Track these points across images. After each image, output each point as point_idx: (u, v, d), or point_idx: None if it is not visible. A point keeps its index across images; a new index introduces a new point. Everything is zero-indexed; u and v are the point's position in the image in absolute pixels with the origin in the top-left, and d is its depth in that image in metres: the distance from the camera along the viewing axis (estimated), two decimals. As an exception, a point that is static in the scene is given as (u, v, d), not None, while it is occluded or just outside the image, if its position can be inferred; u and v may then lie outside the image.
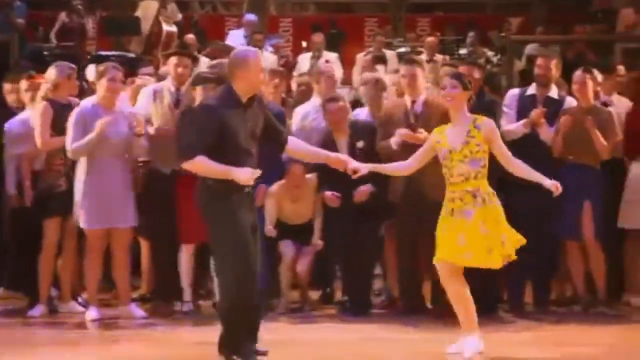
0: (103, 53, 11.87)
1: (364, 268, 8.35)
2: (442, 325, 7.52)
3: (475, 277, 6.58)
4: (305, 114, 8.88)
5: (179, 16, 15.42)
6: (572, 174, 7.27)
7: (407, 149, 7.53)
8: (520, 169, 6.59)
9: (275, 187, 8.25)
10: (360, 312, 8.15)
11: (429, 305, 8.24)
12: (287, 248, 8.30)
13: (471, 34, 16.31)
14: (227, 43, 15.03)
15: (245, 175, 5.96)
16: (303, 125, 8.67)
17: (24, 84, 8.61)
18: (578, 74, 8.25)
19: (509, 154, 6.57)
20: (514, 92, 8.75)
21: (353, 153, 7.77)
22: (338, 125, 8.30)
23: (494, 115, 7.38)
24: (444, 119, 7.93)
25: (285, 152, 6.58)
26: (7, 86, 9.02)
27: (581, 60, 12.19)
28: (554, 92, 8.47)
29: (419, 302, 8.20)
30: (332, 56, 13.92)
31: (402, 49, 15.10)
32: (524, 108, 8.31)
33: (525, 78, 10.81)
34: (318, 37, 14.42)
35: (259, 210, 7.27)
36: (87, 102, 8.16)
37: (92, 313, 8.03)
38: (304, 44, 15.84)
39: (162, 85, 8.63)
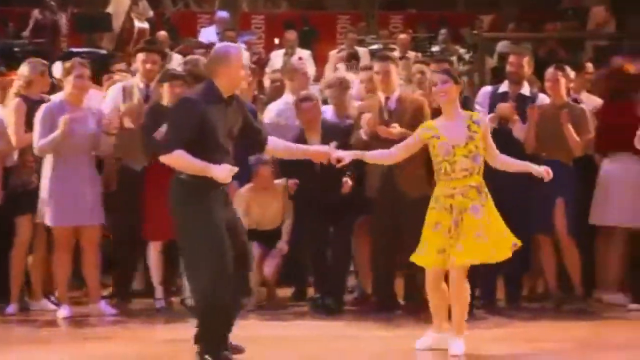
0: (74, 50, 11.80)
1: (336, 265, 8.34)
2: (415, 322, 7.56)
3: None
4: (280, 111, 8.87)
5: (151, 13, 15.35)
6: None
7: (380, 141, 7.56)
8: (506, 163, 6.66)
9: (243, 190, 8.24)
10: (333, 309, 8.14)
11: (401, 302, 8.25)
12: (254, 250, 8.27)
13: (443, 31, 16.35)
14: (199, 40, 15.04)
15: (224, 172, 5.92)
16: (277, 122, 8.64)
17: (-6, 81, 8.57)
18: (550, 71, 8.29)
19: (496, 150, 6.62)
20: (487, 89, 8.79)
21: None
22: (311, 124, 8.30)
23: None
24: (417, 114, 8.01)
25: (265, 152, 6.55)
26: (-22, 83, 8.95)
27: (552, 58, 12.26)
28: (526, 90, 8.52)
29: (392, 299, 8.22)
30: (305, 53, 13.91)
31: (375, 46, 15.12)
32: (496, 105, 8.35)
33: (497, 75, 10.87)
34: (291, 35, 14.42)
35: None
36: (55, 98, 8.14)
37: (63, 311, 8.00)
38: (277, 41, 15.84)
39: (131, 82, 8.61)
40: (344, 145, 8.02)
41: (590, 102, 8.72)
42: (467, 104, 8.14)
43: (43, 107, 7.95)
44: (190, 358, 6.18)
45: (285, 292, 8.83)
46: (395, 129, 7.79)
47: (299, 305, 8.58)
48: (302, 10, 18.81)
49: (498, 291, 8.39)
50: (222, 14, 15.84)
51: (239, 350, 6.23)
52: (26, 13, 15.05)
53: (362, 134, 7.98)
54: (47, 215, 7.95)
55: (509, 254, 6.45)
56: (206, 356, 6.04)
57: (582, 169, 8.29)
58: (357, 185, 8.13)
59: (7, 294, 8.17)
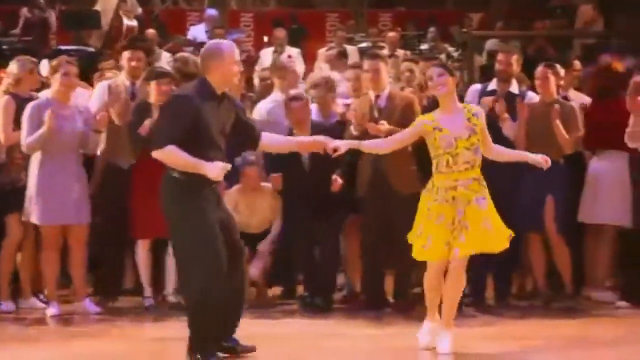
0: (62, 47, 11.77)
1: (325, 264, 8.33)
2: (405, 320, 7.58)
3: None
4: (269, 109, 8.87)
5: (139, 10, 15.30)
6: (535, 168, 7.29)
7: (370, 138, 7.57)
8: (502, 153, 6.69)
9: (231, 191, 8.23)
10: (322, 308, 8.14)
11: (390, 300, 8.26)
12: None
13: (432, 29, 16.36)
14: (188, 38, 15.02)
15: (216, 169, 5.88)
16: (267, 120, 8.62)
17: (-17, 79, 8.53)
18: (540, 69, 8.30)
19: (491, 143, 6.62)
20: (476, 87, 8.80)
21: (316, 158, 7.80)
22: (300, 124, 8.29)
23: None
24: (407, 111, 8.02)
25: (259, 147, 6.49)
26: (-34, 81, 8.92)
27: (541, 56, 12.28)
28: (514, 88, 8.53)
29: (381, 297, 8.22)
30: (294, 51, 13.90)
31: (364, 44, 15.12)
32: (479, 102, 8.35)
33: (486, 74, 10.86)
34: (280, 33, 14.41)
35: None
36: (42, 96, 8.14)
37: (52, 309, 7.99)
38: (265, 39, 15.83)
39: (116, 80, 8.61)
40: None
41: (578, 99, 8.74)
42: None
43: (30, 105, 7.94)
44: (179, 356, 6.17)
45: (274, 290, 8.83)
46: (384, 126, 7.80)
47: (288, 303, 8.58)
48: (291, 8, 18.78)
49: (487, 289, 8.41)
50: (211, 11, 15.81)
51: (249, 349, 6.22)
52: (15, 11, 15.00)
53: (352, 130, 7.99)
54: (34, 213, 7.93)
55: (507, 244, 6.46)
56: (198, 356, 6.01)
57: (572, 167, 8.30)
58: (347, 184, 8.13)
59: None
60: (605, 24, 14.79)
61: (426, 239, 6.41)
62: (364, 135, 7.77)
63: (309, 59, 13.86)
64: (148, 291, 8.30)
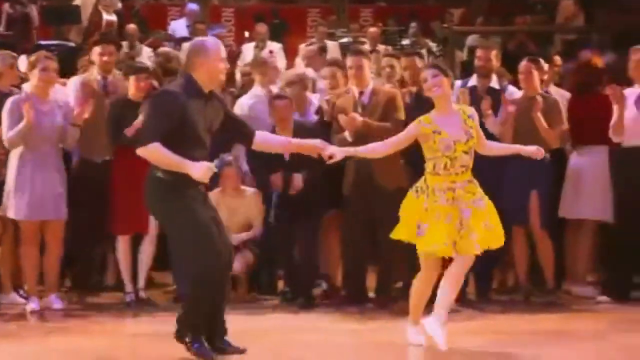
0: (43, 43, 11.73)
1: (304, 262, 8.30)
2: (387, 315, 7.60)
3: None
4: (251, 105, 8.85)
5: (119, 5, 15.28)
6: (520, 163, 7.33)
7: (361, 140, 7.57)
8: (496, 148, 6.72)
9: (212, 192, 8.15)
10: (302, 302, 8.14)
11: (371, 295, 8.27)
12: None
13: (413, 24, 16.37)
14: (169, 33, 14.99)
15: (201, 170, 5.76)
16: (249, 115, 8.59)
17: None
18: (524, 63, 8.32)
19: (485, 140, 6.62)
20: (456, 83, 8.79)
21: (298, 154, 7.80)
22: (283, 122, 8.26)
23: (432, 107, 7.32)
24: (390, 105, 8.02)
25: (254, 145, 6.37)
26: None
27: (522, 51, 12.30)
28: (495, 83, 8.55)
29: (363, 292, 8.23)
30: (276, 46, 13.90)
31: (345, 40, 15.12)
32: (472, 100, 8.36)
33: (467, 69, 10.88)
34: (262, 28, 14.39)
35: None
36: (22, 91, 8.12)
37: (32, 304, 7.96)
38: (247, 34, 15.80)
39: (87, 75, 8.59)
40: None
41: (559, 95, 8.75)
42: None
43: (10, 100, 7.92)
44: (160, 351, 6.16)
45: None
46: (357, 119, 7.79)
47: (270, 298, 8.58)
48: (272, 3, 18.76)
49: (468, 284, 8.42)
50: (192, 6, 15.79)
51: (240, 351, 6.19)
52: (-5, 6, 14.93)
53: (348, 136, 7.95)
54: (12, 208, 7.91)
55: (502, 242, 6.48)
56: (186, 339, 5.97)
57: (552, 162, 8.32)
58: (329, 181, 8.13)
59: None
60: (585, 20, 14.82)
61: (432, 237, 6.29)
62: (359, 139, 7.74)
63: (290, 54, 13.85)
64: (129, 287, 8.30)
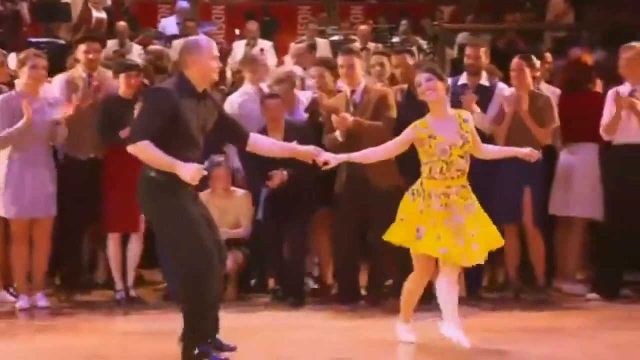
0: (33, 40, 11.71)
1: (293, 261, 8.30)
2: (380, 312, 7.61)
3: (412, 267, 6.54)
4: (241, 102, 8.84)
5: (108, 2, 15.24)
6: (513, 160, 7.34)
7: (352, 140, 7.57)
8: (492, 152, 6.70)
9: (202, 193, 8.11)
10: (293, 300, 8.14)
11: (363, 293, 8.27)
12: None
13: (404, 22, 16.38)
14: (159, 30, 14.97)
15: (191, 171, 5.68)
16: (239, 113, 8.57)
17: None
18: (516, 60, 8.33)
19: (481, 143, 6.60)
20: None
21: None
22: (275, 122, 8.25)
23: (423, 105, 7.30)
24: (381, 103, 8.01)
25: (248, 148, 6.32)
26: None
27: (512, 49, 12.32)
28: (484, 80, 8.56)
29: (356, 290, 8.23)
30: (267, 44, 13.89)
31: (336, 37, 15.11)
32: (456, 97, 8.37)
33: (457, 67, 10.89)
34: (252, 25, 14.36)
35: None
36: (11, 90, 8.12)
37: (21, 302, 7.96)
38: (237, 31, 15.79)
39: (72, 73, 8.58)
40: (305, 143, 8.03)
41: (549, 92, 8.76)
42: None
43: (0, 98, 7.90)
44: (149, 349, 6.16)
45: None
46: (348, 119, 7.78)
47: (261, 296, 8.58)
48: (263, 1, 18.75)
49: (459, 281, 8.41)
50: (182, 4, 15.76)
51: (231, 349, 6.15)
52: (-17, 4, 14.88)
53: (339, 136, 7.95)
54: (1, 207, 7.92)
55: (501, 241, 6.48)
56: (196, 351, 5.89)
57: (544, 159, 8.32)
58: (318, 179, 8.13)
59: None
60: (575, 17, 14.83)
61: (433, 238, 6.25)
62: (350, 140, 7.74)
63: (281, 52, 13.85)
64: (119, 285, 8.30)
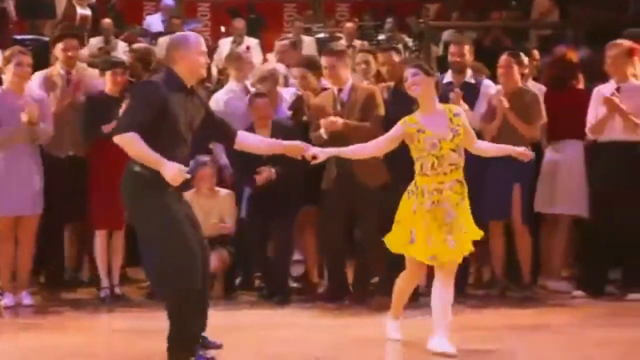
0: (18, 37, 11.66)
1: (278, 260, 8.31)
2: (364, 310, 7.60)
3: (399, 265, 6.53)
4: (227, 100, 8.83)
5: (93, -1, 15.19)
6: (503, 157, 7.34)
7: (339, 138, 7.56)
8: (485, 149, 6.61)
9: (186, 193, 8.05)
10: (279, 299, 8.13)
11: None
12: None
13: (389, 19, 16.37)
14: (144, 27, 14.91)
15: (174, 171, 5.60)
16: (225, 111, 8.54)
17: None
18: (504, 57, 8.34)
19: (475, 138, 6.55)
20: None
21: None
22: (262, 121, 8.23)
23: (411, 102, 7.30)
24: (369, 102, 8.01)
25: (236, 146, 6.26)
26: None
27: (497, 46, 12.33)
28: (470, 77, 8.57)
29: (345, 287, 8.22)
30: (253, 42, 13.87)
31: (321, 35, 15.09)
32: (442, 95, 8.35)
33: (443, 64, 10.90)
34: (239, 23, 14.33)
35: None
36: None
37: (6, 300, 7.94)
38: (223, 29, 15.75)
39: (51, 70, 8.55)
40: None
41: (536, 90, 8.78)
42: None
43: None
44: (135, 347, 6.14)
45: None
46: (338, 121, 7.76)
47: (247, 294, 8.57)
48: (248, -2, 18.73)
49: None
50: (168, 1, 15.70)
51: (217, 346, 6.12)
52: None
53: (323, 133, 7.94)
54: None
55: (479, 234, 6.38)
56: (183, 354, 5.82)
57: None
58: (300, 176, 8.13)
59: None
60: (560, 15, 14.86)
61: (426, 244, 6.20)
62: (334, 138, 7.73)
63: (267, 50, 13.82)
64: (105, 282, 8.30)
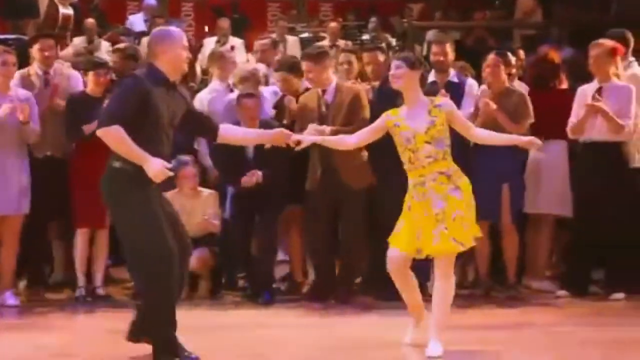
0: (1, 37, 11.61)
1: (262, 260, 8.29)
2: (349, 310, 7.61)
3: (383, 265, 6.48)
4: (210, 100, 8.83)
5: (75, -3, 15.12)
6: (491, 157, 7.34)
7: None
8: (488, 137, 6.48)
9: (169, 193, 7.99)
10: (263, 299, 8.11)
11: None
12: None
13: (373, 19, 16.38)
14: (127, 27, 14.87)
15: (157, 167, 5.57)
16: (208, 110, 8.52)
17: None
18: (491, 57, 8.35)
19: (472, 126, 6.47)
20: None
21: (261, 151, 7.78)
22: (251, 121, 8.19)
23: (395, 102, 7.28)
24: (355, 103, 8.00)
25: (219, 139, 6.21)
26: None
27: (481, 46, 12.35)
28: (453, 76, 8.58)
29: (330, 287, 8.19)
30: (238, 42, 13.85)
31: (305, 35, 15.09)
32: (426, 94, 8.35)
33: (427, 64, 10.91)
34: (224, 23, 14.30)
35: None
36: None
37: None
38: (206, 28, 15.73)
39: (28, 70, 8.53)
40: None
41: (522, 89, 8.79)
42: (396, 93, 8.17)
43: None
44: (119, 348, 6.12)
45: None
46: (327, 128, 7.75)
47: (231, 294, 8.57)
48: (232, -3, 18.70)
49: (430, 278, 8.43)
50: (150, 1, 15.67)
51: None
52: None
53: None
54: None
55: (472, 243, 6.29)
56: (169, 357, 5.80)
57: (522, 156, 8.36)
58: (284, 176, 8.13)
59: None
60: (544, 15, 14.89)
61: (414, 234, 6.14)
62: None
63: (250, 50, 13.81)
64: (81, 280, 8.28)
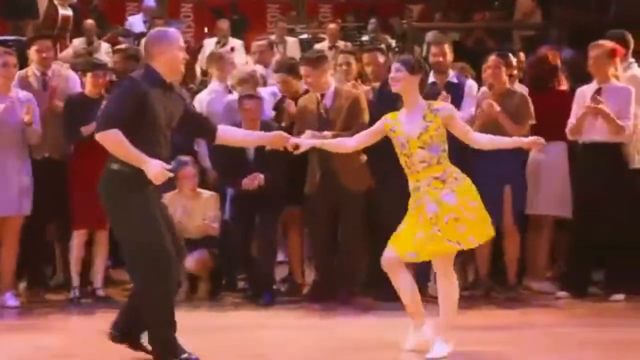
0: (0, 38, 11.62)
1: (262, 261, 8.30)
2: (350, 311, 7.61)
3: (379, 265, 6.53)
4: (209, 101, 8.83)
5: (74, -2, 15.12)
6: (493, 159, 7.33)
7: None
8: (486, 142, 6.39)
9: (169, 194, 8.01)
10: (264, 300, 8.11)
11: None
12: None
13: (372, 20, 16.38)
14: (126, 28, 14.87)
15: (156, 169, 5.57)
16: (208, 112, 8.53)
17: None
18: (492, 58, 8.36)
19: (470, 130, 6.42)
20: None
21: (262, 152, 7.77)
22: (252, 123, 8.19)
23: (396, 103, 7.29)
24: (354, 107, 8.00)
25: (217, 140, 6.20)
26: None
27: (480, 47, 12.36)
28: (452, 77, 8.58)
29: (331, 288, 8.19)
30: (238, 43, 13.85)
31: (305, 36, 15.08)
32: (426, 95, 8.36)
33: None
34: (224, 24, 14.30)
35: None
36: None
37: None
38: (206, 29, 15.73)
39: (26, 71, 8.53)
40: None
41: (523, 90, 8.78)
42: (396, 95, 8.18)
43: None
44: (119, 350, 6.12)
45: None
46: (328, 134, 7.74)
47: (232, 295, 8.56)
48: (231, -1, 18.71)
49: (430, 279, 8.43)
50: (149, 2, 15.67)
51: None
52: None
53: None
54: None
55: (493, 234, 6.25)
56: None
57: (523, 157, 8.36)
58: (284, 178, 8.13)
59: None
60: (543, 16, 14.90)
61: (411, 238, 6.10)
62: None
63: (250, 51, 13.81)
64: (76, 281, 8.28)
